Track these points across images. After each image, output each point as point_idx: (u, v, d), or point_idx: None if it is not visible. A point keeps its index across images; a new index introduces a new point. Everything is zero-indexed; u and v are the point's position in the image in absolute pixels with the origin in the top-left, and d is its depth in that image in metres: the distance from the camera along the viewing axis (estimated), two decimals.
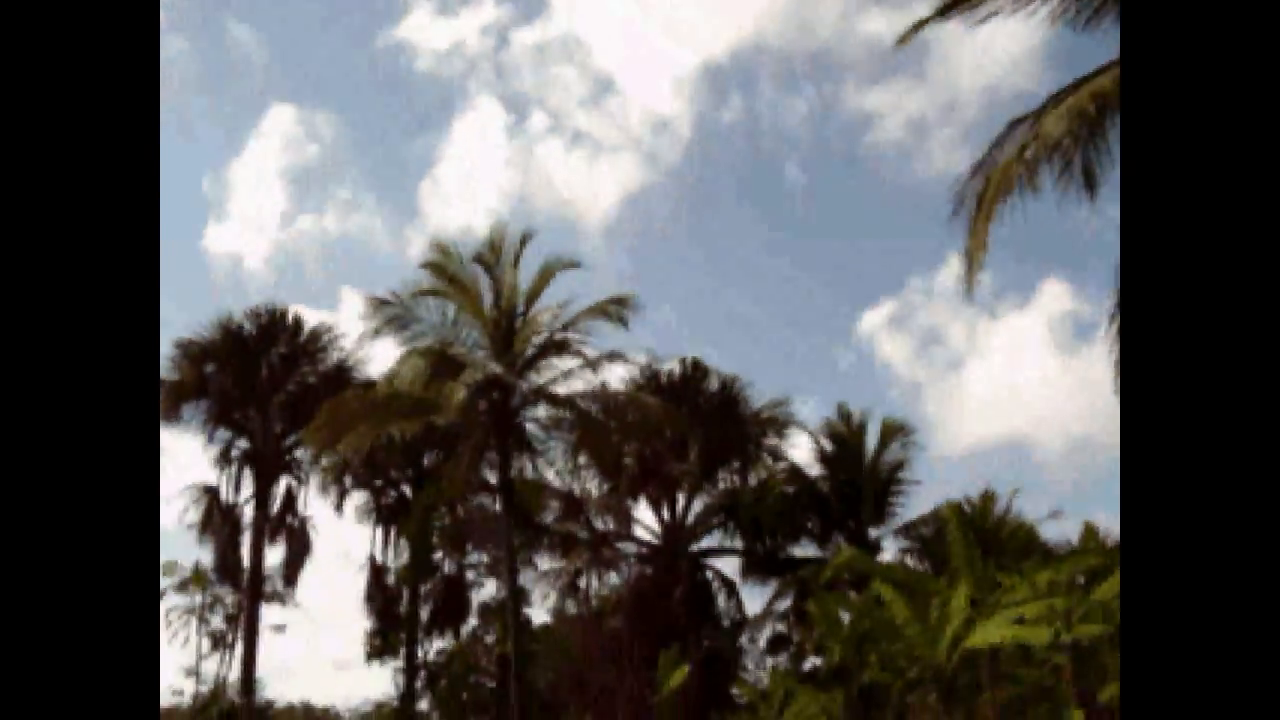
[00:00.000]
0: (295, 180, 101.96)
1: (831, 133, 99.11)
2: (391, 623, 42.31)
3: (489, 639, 44.59)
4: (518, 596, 23.27)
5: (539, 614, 45.52)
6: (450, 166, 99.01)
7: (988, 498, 41.02)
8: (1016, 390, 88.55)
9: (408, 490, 41.39)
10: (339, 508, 40.56)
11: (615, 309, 22.82)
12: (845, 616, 21.18)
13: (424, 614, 40.91)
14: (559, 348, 23.22)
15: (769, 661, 35.49)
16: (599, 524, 35.01)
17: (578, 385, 23.89)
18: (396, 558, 42.47)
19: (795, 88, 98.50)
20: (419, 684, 40.47)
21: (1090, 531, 21.91)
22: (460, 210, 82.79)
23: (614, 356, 22.73)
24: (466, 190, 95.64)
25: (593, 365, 22.71)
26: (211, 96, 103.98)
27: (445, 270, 22.84)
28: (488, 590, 45.43)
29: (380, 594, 40.39)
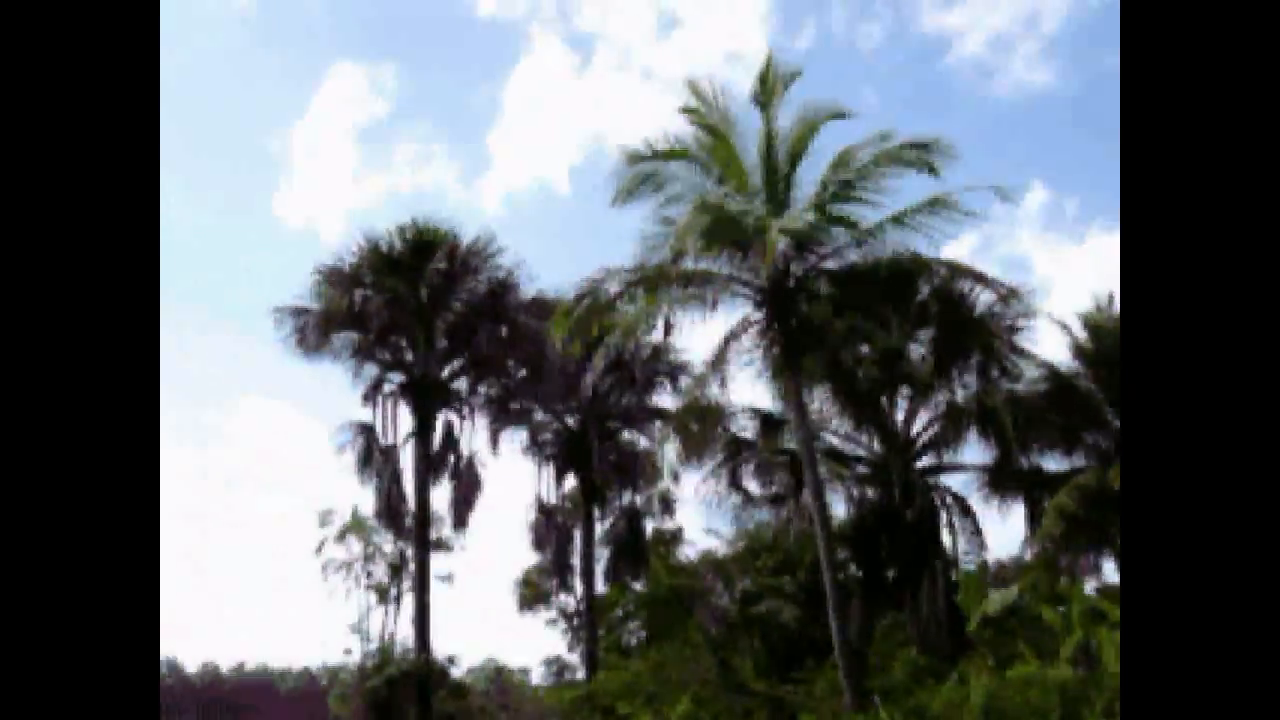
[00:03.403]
0: (361, 138, 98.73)
1: (908, 55, 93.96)
2: (563, 568, 38.80)
3: (637, 585, 41.01)
4: (825, 509, 19.08)
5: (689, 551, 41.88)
6: (519, 111, 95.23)
7: None
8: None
9: (571, 422, 37.56)
10: (494, 445, 36.92)
11: (917, 154, 18.30)
12: None
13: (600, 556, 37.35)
14: (831, 212, 18.72)
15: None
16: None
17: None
18: (560, 495, 38.92)
19: (870, 10, 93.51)
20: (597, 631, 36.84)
21: None
22: (533, 154, 78.73)
23: (937, 204, 18.10)
24: (538, 135, 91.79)
25: (897, 222, 18.17)
26: (273, 56, 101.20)
27: (703, 119, 18.52)
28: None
29: (553, 536, 36.67)
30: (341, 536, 36.68)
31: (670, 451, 33.93)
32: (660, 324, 18.53)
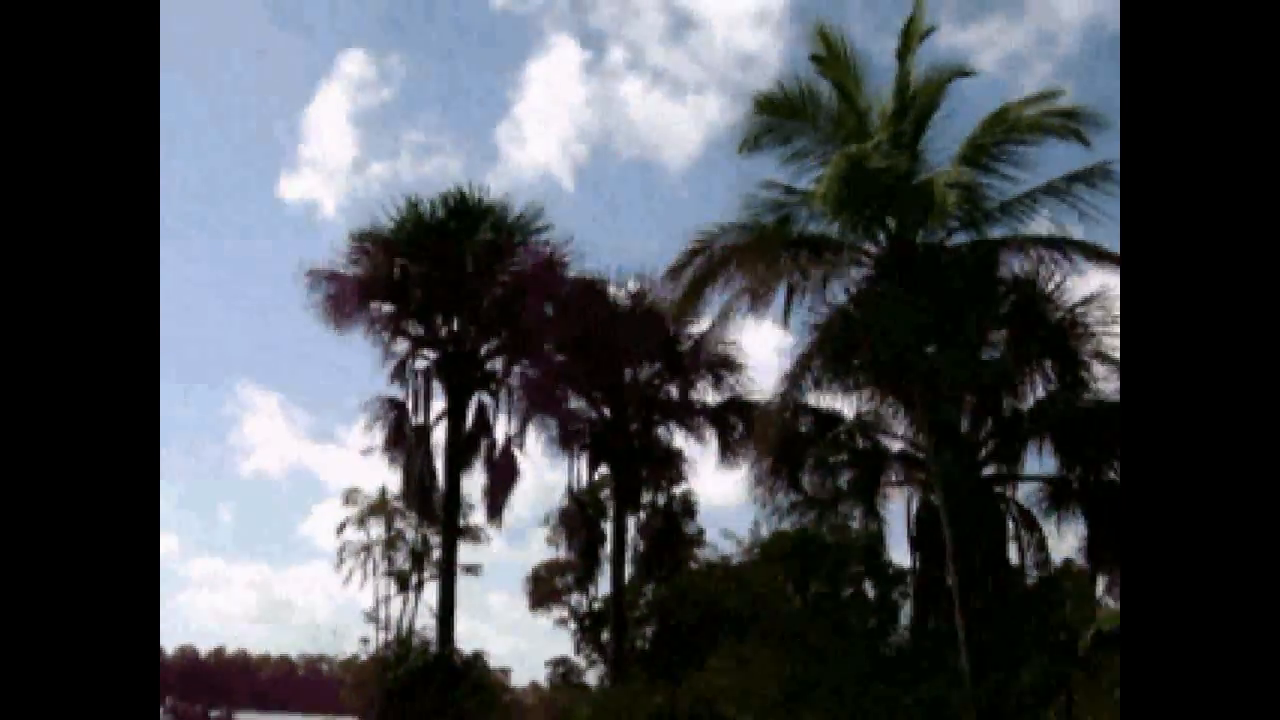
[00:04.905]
0: (367, 125, 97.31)
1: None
2: (589, 564, 37.01)
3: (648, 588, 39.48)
4: (961, 510, 17.35)
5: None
6: (528, 107, 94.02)
7: None
8: None
9: (607, 411, 35.70)
10: (521, 433, 34.98)
11: (1062, 122, 16.60)
12: None
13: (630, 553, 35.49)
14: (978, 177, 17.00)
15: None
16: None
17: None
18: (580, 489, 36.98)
19: (886, 24, 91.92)
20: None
21: None
22: (540, 151, 77.41)
23: (1093, 175, 16.29)
24: (546, 131, 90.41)
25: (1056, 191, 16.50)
26: (286, 40, 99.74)
27: (832, 71, 16.82)
28: None
29: (584, 529, 34.81)
30: (362, 520, 34.73)
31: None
32: (783, 289, 16.84)
